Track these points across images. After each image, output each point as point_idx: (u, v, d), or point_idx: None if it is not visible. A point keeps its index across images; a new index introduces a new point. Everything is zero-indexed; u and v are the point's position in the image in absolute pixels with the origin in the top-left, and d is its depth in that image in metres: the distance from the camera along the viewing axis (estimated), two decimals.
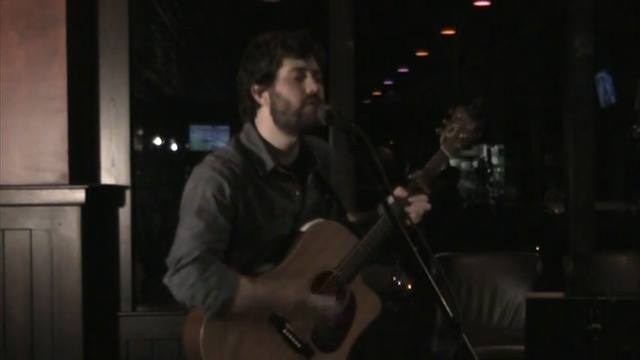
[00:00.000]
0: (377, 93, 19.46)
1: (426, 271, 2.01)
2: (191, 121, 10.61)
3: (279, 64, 2.35)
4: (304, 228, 2.39)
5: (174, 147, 10.30)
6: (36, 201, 3.61)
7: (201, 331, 2.23)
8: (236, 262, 2.32)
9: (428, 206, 2.46)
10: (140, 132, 6.27)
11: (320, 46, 2.41)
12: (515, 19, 10.29)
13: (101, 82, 4.08)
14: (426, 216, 2.47)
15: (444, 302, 1.99)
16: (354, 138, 2.17)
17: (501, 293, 4.37)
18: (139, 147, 5.94)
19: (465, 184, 16.89)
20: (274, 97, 2.36)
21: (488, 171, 16.93)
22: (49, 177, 3.72)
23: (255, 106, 2.42)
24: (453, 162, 13.55)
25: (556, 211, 9.51)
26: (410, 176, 2.46)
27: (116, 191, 4.07)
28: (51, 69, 3.74)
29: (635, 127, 9.11)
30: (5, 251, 3.60)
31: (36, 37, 3.74)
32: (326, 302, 2.37)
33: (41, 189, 3.64)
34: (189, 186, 2.35)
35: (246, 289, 2.25)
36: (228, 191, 2.29)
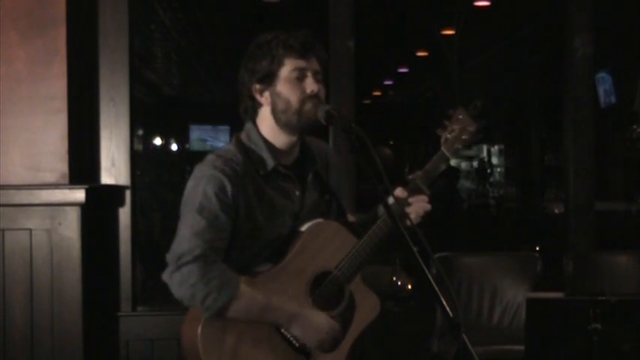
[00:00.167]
0: (377, 93, 19.49)
1: (426, 271, 2.01)
2: (191, 121, 10.61)
3: (280, 64, 2.35)
4: (304, 228, 2.39)
5: (174, 147, 10.31)
6: (36, 201, 3.61)
7: (199, 330, 2.23)
8: (236, 261, 2.32)
9: (428, 207, 2.46)
10: (140, 132, 6.27)
11: (322, 47, 2.42)
12: (515, 19, 10.30)
13: (101, 82, 4.08)
14: (426, 216, 2.47)
15: (444, 302, 1.99)
16: (354, 138, 2.17)
17: (501, 293, 4.36)
18: (139, 147, 5.94)
19: (465, 184, 16.90)
20: (275, 97, 2.37)
21: (488, 171, 16.94)
22: (49, 177, 3.72)
23: (256, 106, 2.42)
24: (452, 162, 13.54)
25: (556, 211, 9.52)
26: (410, 177, 2.46)
27: (116, 191, 4.07)
28: (51, 69, 3.74)
29: (635, 127, 9.12)
30: (5, 251, 3.60)
31: (36, 37, 3.74)
32: (322, 321, 2.36)
33: (41, 189, 3.64)
34: (190, 184, 2.35)
35: (245, 296, 2.25)
36: (229, 190, 2.30)
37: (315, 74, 2.37)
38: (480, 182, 16.80)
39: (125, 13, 4.08)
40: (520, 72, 12.85)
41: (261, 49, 2.37)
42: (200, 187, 2.31)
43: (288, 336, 2.33)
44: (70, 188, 3.65)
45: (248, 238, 2.35)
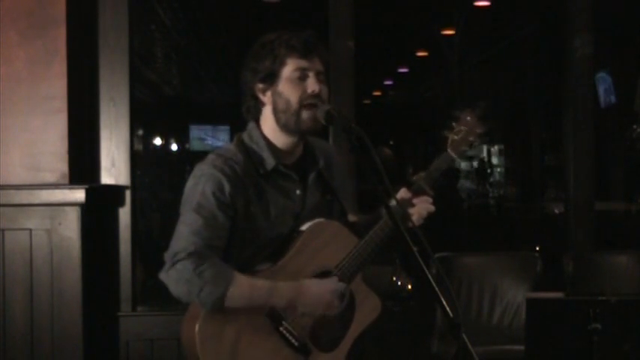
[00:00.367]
0: (377, 93, 19.49)
1: (426, 271, 2.01)
2: (191, 121, 10.59)
3: (282, 64, 2.36)
4: (304, 227, 2.40)
5: (174, 147, 10.29)
6: (36, 201, 3.61)
7: (197, 327, 2.23)
8: (235, 260, 2.33)
9: (432, 208, 2.46)
10: (140, 132, 6.26)
11: (325, 47, 2.42)
12: (515, 19, 10.31)
13: (101, 82, 4.08)
14: (429, 217, 2.47)
15: (444, 302, 1.99)
16: (354, 138, 2.18)
17: (501, 293, 4.36)
18: (139, 147, 5.93)
19: (465, 184, 16.87)
20: (276, 96, 2.37)
21: (488, 171, 16.91)
22: (49, 177, 3.72)
23: (258, 105, 2.43)
24: None
25: (556, 211, 9.50)
26: (414, 178, 2.47)
27: (116, 191, 4.07)
28: (51, 69, 3.74)
29: (635, 127, 9.12)
30: (5, 251, 3.60)
31: (36, 37, 3.74)
32: (323, 282, 2.35)
33: (41, 189, 3.64)
34: (190, 183, 2.36)
35: (242, 284, 2.24)
36: (227, 189, 2.31)
37: (317, 74, 2.37)
38: (479, 182, 16.78)
39: (125, 13, 4.09)
40: (520, 72, 12.85)
41: (264, 48, 2.38)
42: (199, 186, 2.32)
43: (287, 335, 2.32)
44: (70, 188, 3.65)
45: (247, 237, 2.35)
